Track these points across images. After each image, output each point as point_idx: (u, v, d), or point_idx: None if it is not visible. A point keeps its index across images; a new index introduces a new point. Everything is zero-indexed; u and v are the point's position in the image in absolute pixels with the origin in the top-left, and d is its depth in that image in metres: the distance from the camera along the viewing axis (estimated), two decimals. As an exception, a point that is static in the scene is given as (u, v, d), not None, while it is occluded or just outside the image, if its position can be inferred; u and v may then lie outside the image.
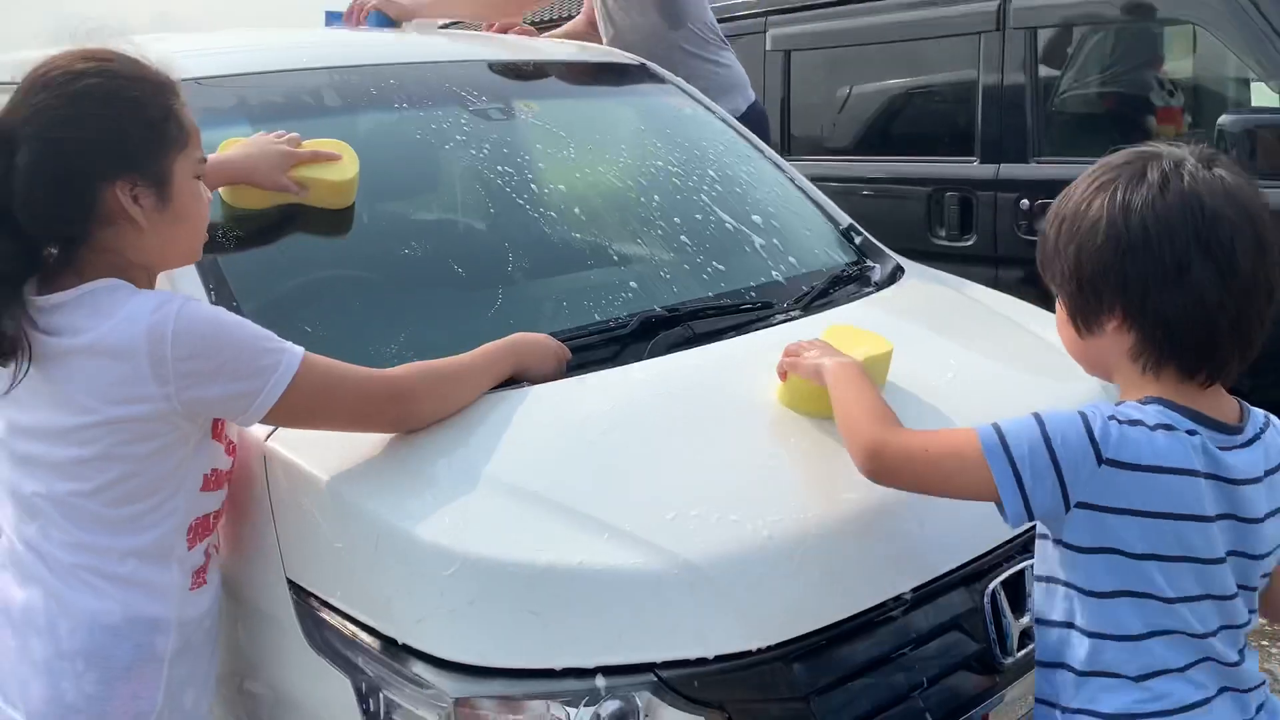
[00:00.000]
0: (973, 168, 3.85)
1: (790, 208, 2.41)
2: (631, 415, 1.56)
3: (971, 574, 1.46)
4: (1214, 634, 1.19)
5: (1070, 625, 1.23)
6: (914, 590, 1.40)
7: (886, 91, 4.33)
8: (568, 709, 1.22)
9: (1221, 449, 1.17)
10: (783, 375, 1.60)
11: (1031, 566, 1.40)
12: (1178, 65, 3.88)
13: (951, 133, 4.01)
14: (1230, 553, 1.18)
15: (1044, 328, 1.86)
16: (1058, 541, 1.23)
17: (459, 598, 1.25)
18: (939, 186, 3.94)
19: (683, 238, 2.14)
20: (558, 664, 1.22)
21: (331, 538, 1.38)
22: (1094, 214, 1.19)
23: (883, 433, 1.33)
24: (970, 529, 1.46)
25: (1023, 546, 1.50)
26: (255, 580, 1.48)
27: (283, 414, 1.39)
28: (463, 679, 1.23)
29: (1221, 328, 1.16)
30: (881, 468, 1.32)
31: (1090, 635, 1.21)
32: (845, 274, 2.15)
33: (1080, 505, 1.17)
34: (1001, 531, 1.45)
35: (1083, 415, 1.18)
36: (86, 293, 1.34)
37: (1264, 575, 1.23)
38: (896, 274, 2.22)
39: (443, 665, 1.24)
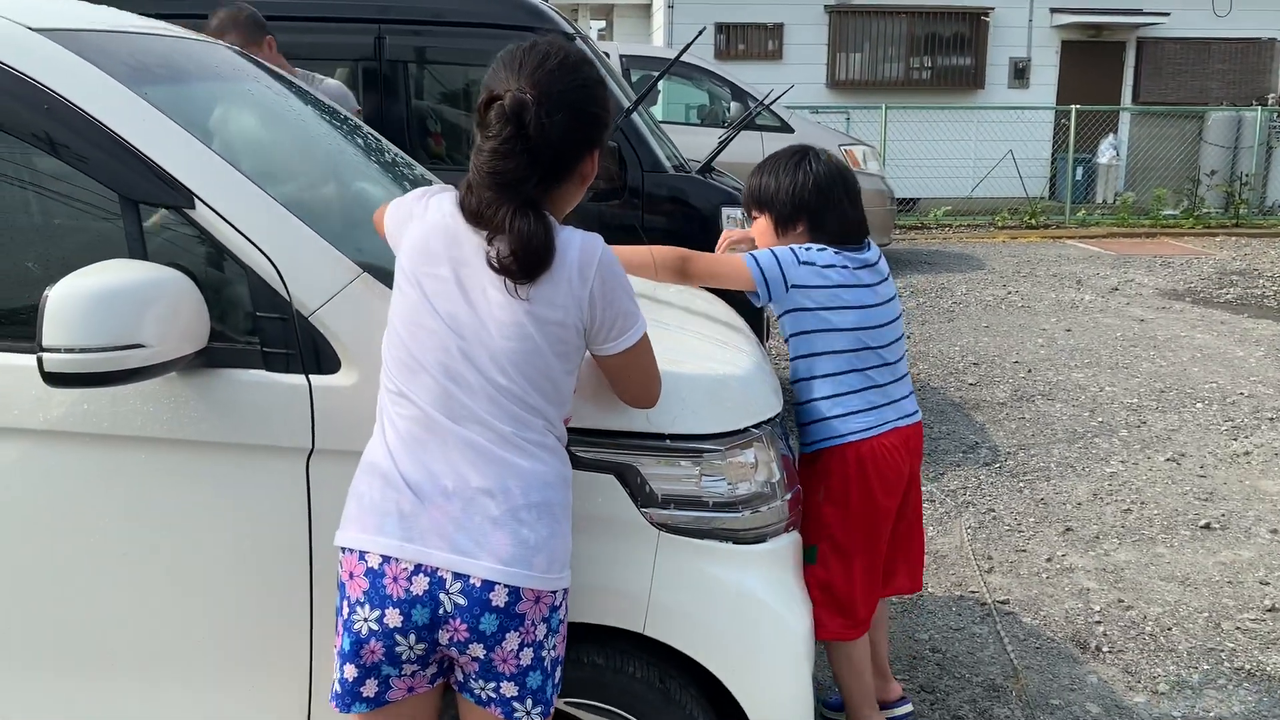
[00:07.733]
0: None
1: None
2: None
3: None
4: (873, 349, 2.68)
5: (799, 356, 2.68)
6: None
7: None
8: (746, 450, 2.17)
9: (859, 255, 2.67)
10: None
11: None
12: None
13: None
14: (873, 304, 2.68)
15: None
16: (784, 312, 2.62)
17: (697, 401, 2.11)
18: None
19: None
20: (741, 424, 2.17)
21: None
22: (802, 177, 2.64)
23: (685, 253, 2.58)
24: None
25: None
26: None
27: (624, 357, 1.85)
28: (705, 443, 2.11)
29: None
30: (691, 274, 2.58)
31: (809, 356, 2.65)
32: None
33: (794, 287, 2.57)
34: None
35: (793, 249, 2.60)
36: None
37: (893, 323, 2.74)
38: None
39: (692, 438, 2.09)
